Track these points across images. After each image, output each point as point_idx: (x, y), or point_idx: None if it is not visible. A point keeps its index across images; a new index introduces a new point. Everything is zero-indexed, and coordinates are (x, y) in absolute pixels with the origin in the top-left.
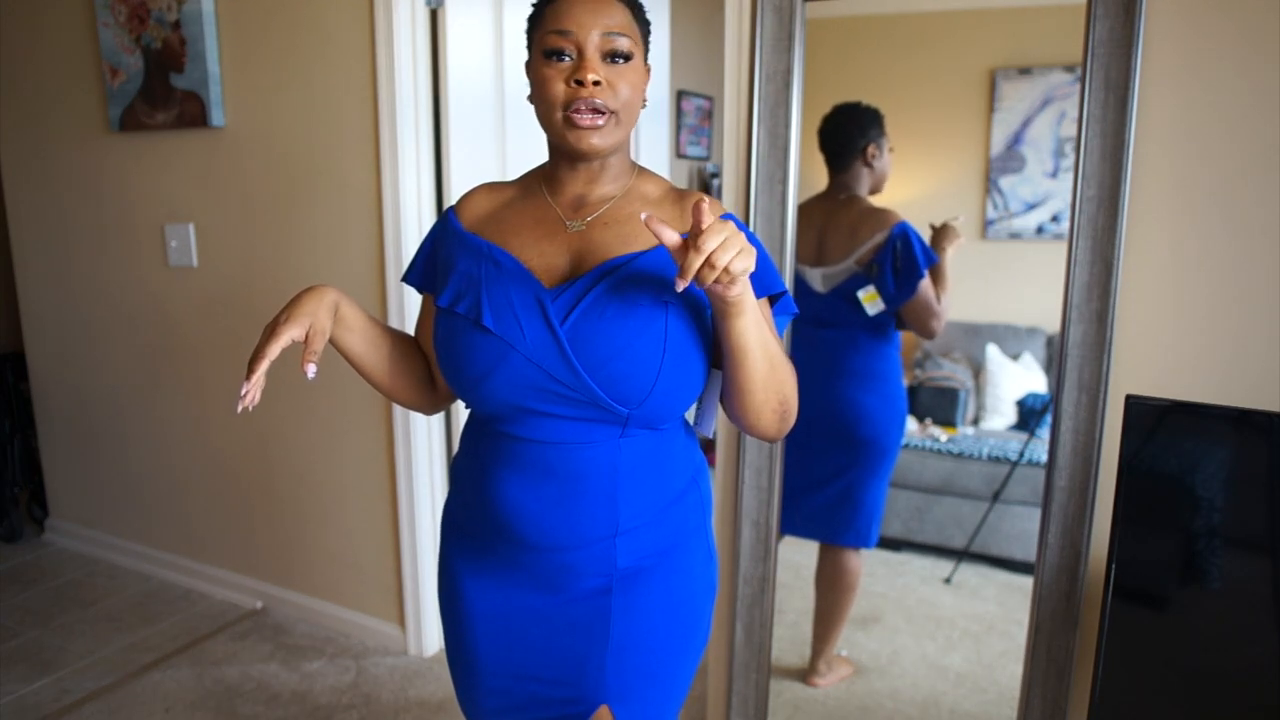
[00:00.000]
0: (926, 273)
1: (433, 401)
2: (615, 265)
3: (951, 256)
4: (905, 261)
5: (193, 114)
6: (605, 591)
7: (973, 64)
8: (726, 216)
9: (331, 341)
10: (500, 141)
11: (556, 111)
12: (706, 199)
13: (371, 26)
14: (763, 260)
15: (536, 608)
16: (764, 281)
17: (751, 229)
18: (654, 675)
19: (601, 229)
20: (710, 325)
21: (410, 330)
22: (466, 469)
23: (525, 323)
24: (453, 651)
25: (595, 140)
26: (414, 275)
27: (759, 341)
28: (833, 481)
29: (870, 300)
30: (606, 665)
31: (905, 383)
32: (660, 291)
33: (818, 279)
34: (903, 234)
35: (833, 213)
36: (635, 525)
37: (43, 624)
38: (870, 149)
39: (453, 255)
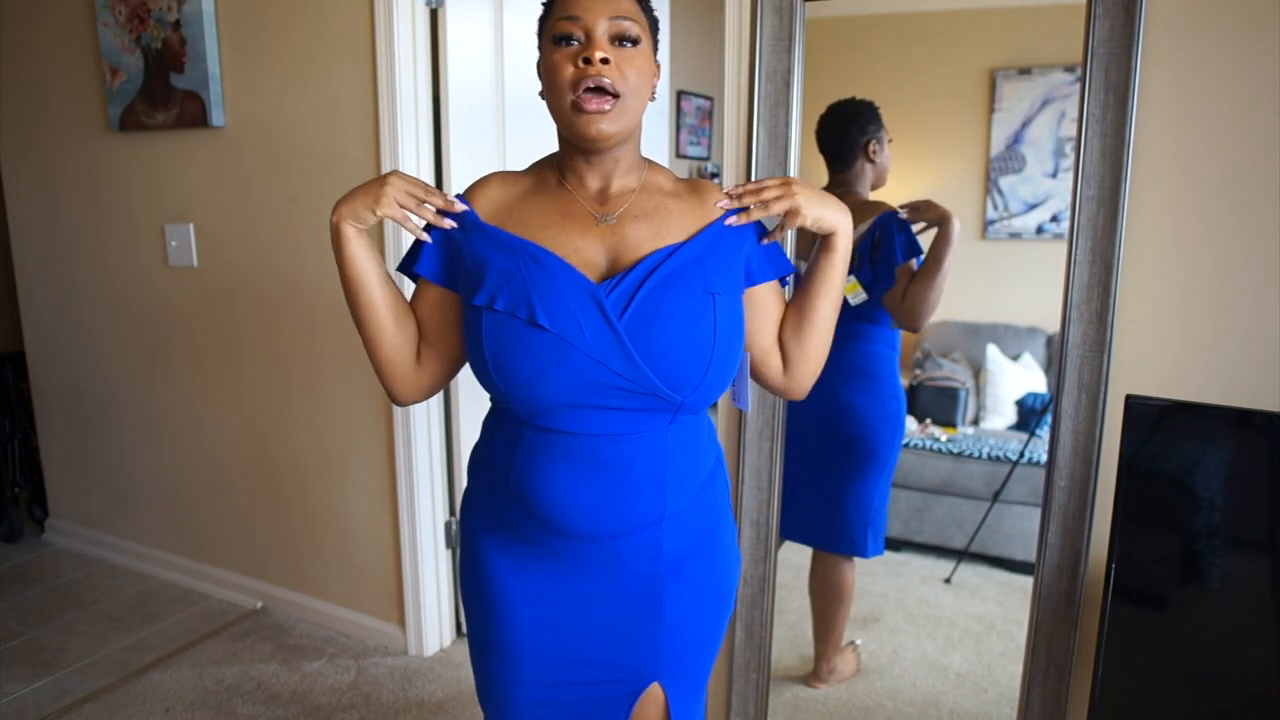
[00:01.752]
0: (908, 262)
1: (410, 380)
2: (662, 257)
3: (953, 246)
4: (884, 248)
5: (193, 114)
6: (654, 574)
7: (973, 64)
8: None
9: (355, 268)
10: (500, 141)
11: (565, 96)
12: (714, 186)
13: (372, 26)
14: (774, 248)
15: (584, 595)
16: (776, 265)
17: None
18: (699, 648)
19: (632, 222)
20: (742, 309)
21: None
22: (503, 465)
23: (583, 320)
24: (488, 647)
25: (603, 125)
26: (426, 266)
27: (840, 281)
28: (820, 484)
29: (851, 291)
30: (660, 644)
31: (906, 383)
32: (708, 281)
33: None
34: (885, 222)
35: None
36: (680, 509)
37: (43, 624)
38: (871, 145)
39: (479, 250)
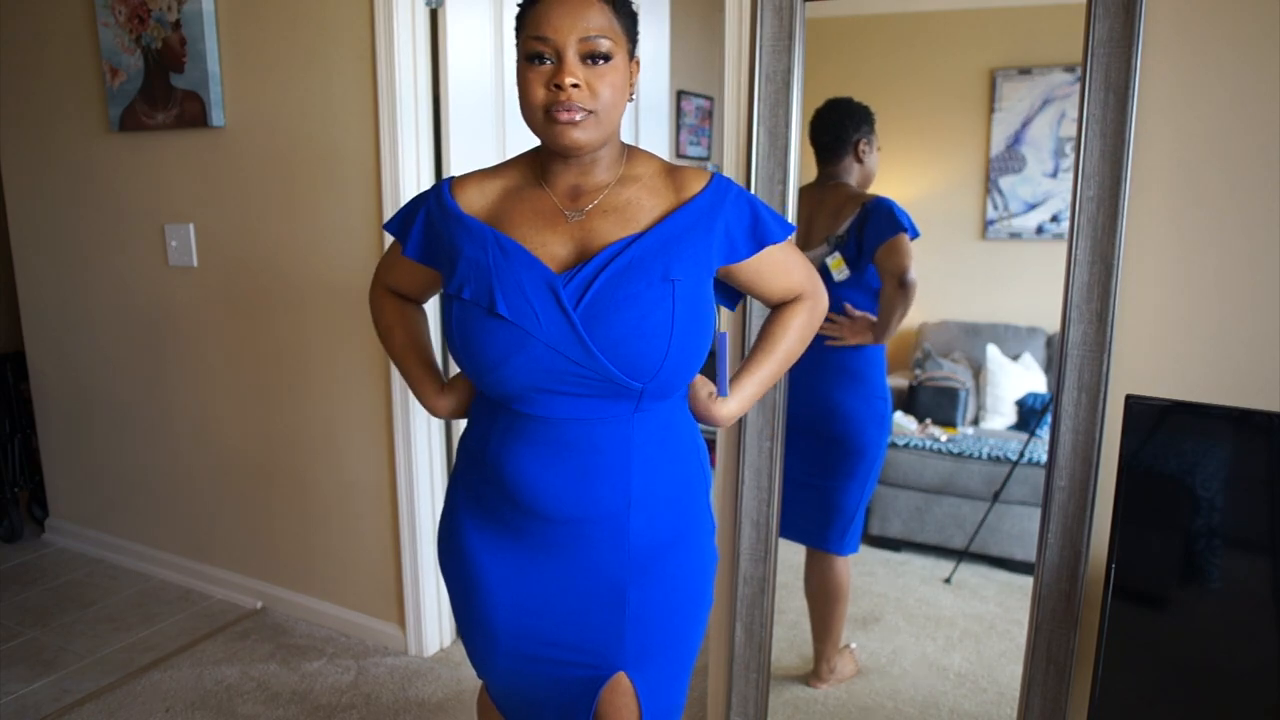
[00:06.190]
0: (895, 239)
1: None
2: (621, 248)
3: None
4: (882, 219)
5: (193, 114)
6: (619, 564)
7: (973, 64)
8: (719, 180)
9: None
10: (500, 141)
11: (537, 113)
12: (699, 171)
13: (372, 26)
14: (764, 212)
15: (552, 577)
16: (760, 235)
17: None
18: (669, 644)
19: (600, 216)
20: (713, 290)
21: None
22: (481, 445)
23: (540, 309)
24: (467, 620)
25: (576, 135)
26: (411, 247)
27: (769, 379)
28: (809, 482)
29: (837, 266)
30: (625, 634)
31: (906, 383)
32: (668, 268)
33: None
34: (879, 203)
35: (820, 199)
36: (647, 499)
37: (43, 624)
38: (861, 144)
39: (456, 239)
